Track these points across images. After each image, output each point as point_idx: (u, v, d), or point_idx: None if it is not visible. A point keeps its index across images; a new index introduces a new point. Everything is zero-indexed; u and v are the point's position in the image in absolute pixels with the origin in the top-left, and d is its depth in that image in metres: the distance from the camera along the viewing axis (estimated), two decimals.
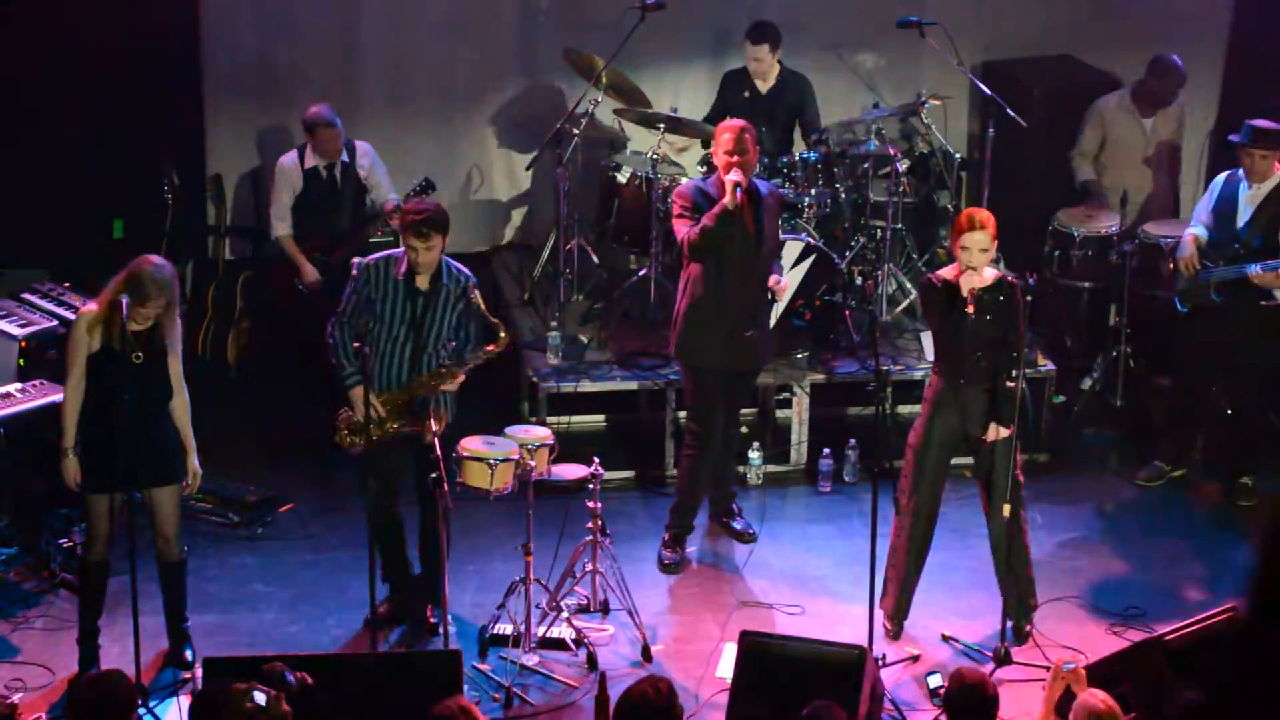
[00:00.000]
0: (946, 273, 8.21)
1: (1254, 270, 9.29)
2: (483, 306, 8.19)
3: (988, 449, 8.18)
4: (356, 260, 8.23)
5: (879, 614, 8.30)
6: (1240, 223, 9.45)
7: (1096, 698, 6.58)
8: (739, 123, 8.81)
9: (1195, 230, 9.62)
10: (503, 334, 8.23)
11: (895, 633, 8.51)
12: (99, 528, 7.98)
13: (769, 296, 8.99)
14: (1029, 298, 8.44)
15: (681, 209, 8.79)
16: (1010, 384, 8.04)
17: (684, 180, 10.35)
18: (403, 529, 8.44)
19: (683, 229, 8.73)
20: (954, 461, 8.51)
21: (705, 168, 10.43)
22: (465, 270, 8.28)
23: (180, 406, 8.00)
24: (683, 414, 9.46)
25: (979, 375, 8.14)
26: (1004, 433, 8.11)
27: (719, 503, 9.37)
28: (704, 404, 8.99)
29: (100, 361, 7.78)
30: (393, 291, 8.12)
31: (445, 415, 8.16)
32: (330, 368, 8.27)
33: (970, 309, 8.00)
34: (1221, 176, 9.64)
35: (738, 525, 9.32)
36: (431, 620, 8.41)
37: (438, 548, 8.08)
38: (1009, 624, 8.36)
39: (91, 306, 7.85)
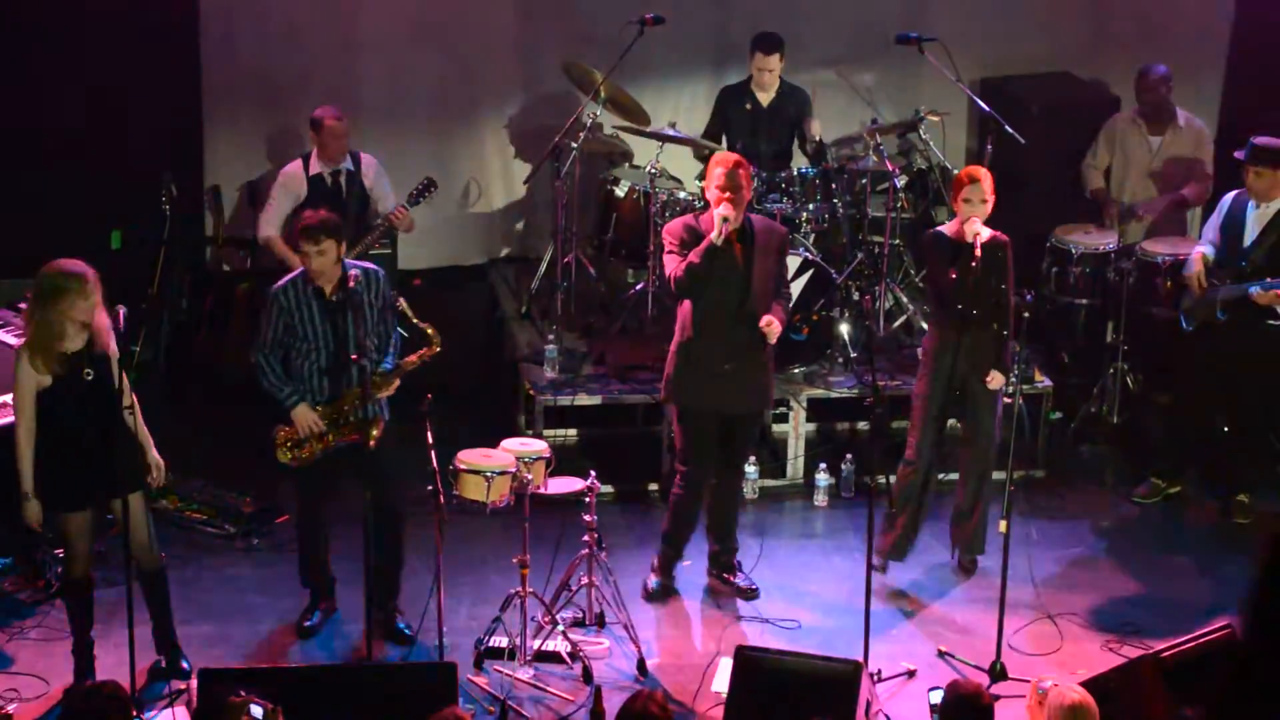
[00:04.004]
0: (947, 229, 8.92)
1: (1254, 290, 9.29)
2: (409, 313, 8.22)
3: (974, 397, 8.91)
4: (271, 289, 8.27)
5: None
6: (1247, 241, 9.44)
7: (1071, 691, 6.57)
8: (733, 156, 8.64)
9: (1203, 248, 9.63)
10: (432, 334, 8.24)
11: (883, 567, 9.07)
12: (78, 545, 7.91)
13: (759, 337, 8.56)
14: (1026, 314, 8.51)
15: (671, 246, 8.58)
16: (1004, 334, 8.80)
17: (681, 195, 10.40)
18: (328, 536, 8.56)
19: (671, 265, 8.55)
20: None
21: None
22: (371, 266, 8.33)
23: (131, 406, 7.92)
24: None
25: (975, 324, 8.77)
26: (1001, 378, 8.85)
27: (720, 559, 9.09)
28: (694, 447, 8.75)
29: (55, 392, 7.68)
30: (307, 309, 8.17)
31: (382, 419, 8.19)
32: (262, 393, 8.30)
33: (978, 255, 8.60)
34: (1230, 195, 9.60)
35: (740, 582, 9.03)
36: (406, 633, 8.47)
37: (397, 558, 8.39)
38: (959, 553, 9.26)
39: (16, 340, 7.76)
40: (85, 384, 7.70)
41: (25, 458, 7.74)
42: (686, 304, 8.59)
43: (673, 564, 9.07)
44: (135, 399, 7.96)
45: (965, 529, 9.18)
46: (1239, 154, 9.48)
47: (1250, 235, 9.44)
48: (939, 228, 9.04)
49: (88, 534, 7.91)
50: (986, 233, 8.72)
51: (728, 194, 8.40)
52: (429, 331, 8.25)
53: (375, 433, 8.05)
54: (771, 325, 8.51)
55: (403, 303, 8.27)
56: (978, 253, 8.61)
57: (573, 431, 10.34)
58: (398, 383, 8.26)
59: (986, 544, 9.14)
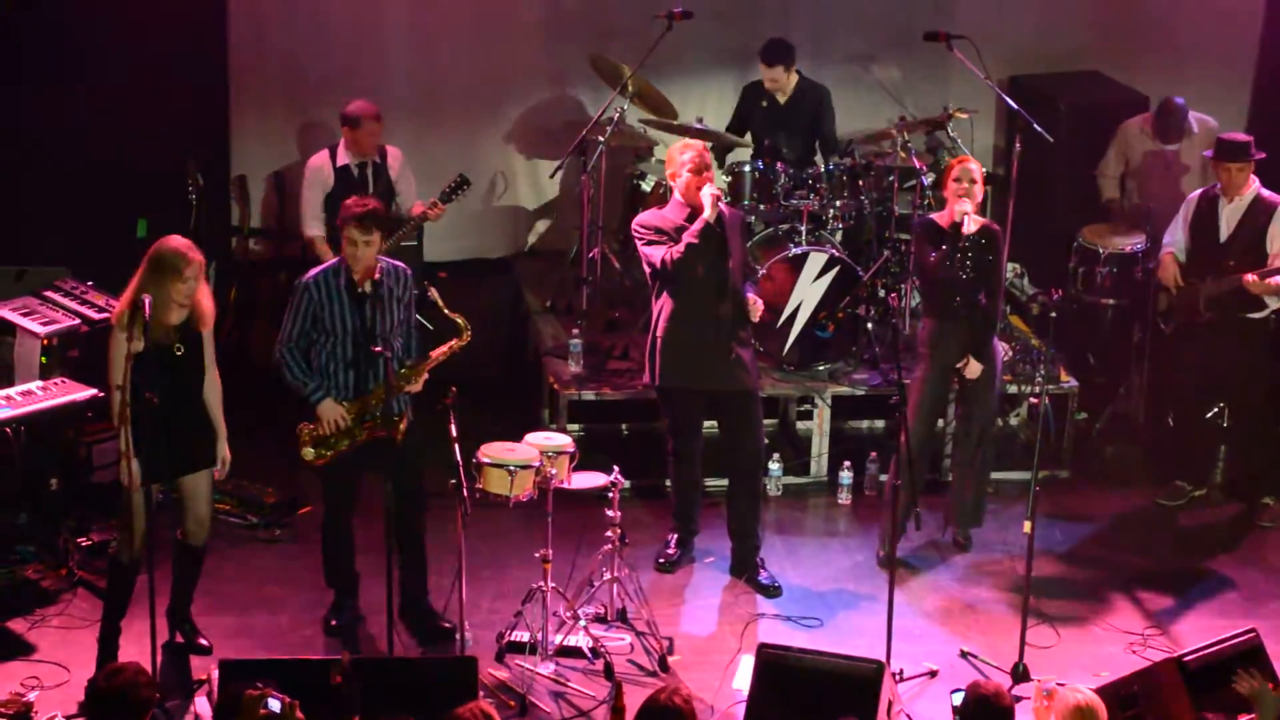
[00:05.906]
0: (939, 217, 9.04)
1: (1250, 278, 9.33)
2: (441, 303, 8.18)
3: (969, 384, 9.08)
4: (298, 281, 8.24)
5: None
6: (1224, 236, 9.51)
7: (1077, 693, 6.54)
8: (697, 142, 8.97)
9: (1171, 250, 9.74)
10: (463, 324, 8.22)
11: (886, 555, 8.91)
12: (139, 523, 7.89)
13: (745, 316, 8.82)
14: (1053, 314, 8.65)
15: (650, 236, 8.76)
16: (991, 321, 9.04)
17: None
18: (353, 538, 8.54)
19: (659, 252, 8.68)
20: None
21: (731, 178, 10.42)
22: (400, 264, 8.31)
23: (213, 390, 8.05)
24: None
25: (965, 311, 8.95)
26: (978, 367, 8.97)
27: (742, 557, 9.10)
28: (681, 422, 9.00)
29: (144, 361, 7.73)
30: (338, 301, 8.13)
31: (407, 414, 8.20)
32: (288, 389, 8.28)
33: (965, 233, 8.78)
34: (1195, 194, 9.75)
35: (762, 579, 9.02)
36: (445, 625, 8.44)
37: (421, 551, 8.38)
38: (952, 530, 9.40)
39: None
40: (174, 358, 7.79)
41: (125, 420, 7.71)
42: (666, 294, 8.79)
43: (688, 539, 9.20)
44: (219, 383, 8.08)
45: (959, 504, 9.33)
46: (1207, 153, 9.74)
47: (1226, 230, 9.51)
48: (930, 215, 9.21)
49: (148, 513, 7.88)
50: (978, 222, 8.91)
51: (706, 173, 8.71)
52: (459, 322, 8.21)
53: (402, 427, 8.07)
54: (757, 304, 8.80)
55: (434, 293, 8.22)
56: (965, 229, 8.81)
57: (580, 426, 10.32)
58: (425, 377, 8.24)
59: (984, 519, 9.38)
